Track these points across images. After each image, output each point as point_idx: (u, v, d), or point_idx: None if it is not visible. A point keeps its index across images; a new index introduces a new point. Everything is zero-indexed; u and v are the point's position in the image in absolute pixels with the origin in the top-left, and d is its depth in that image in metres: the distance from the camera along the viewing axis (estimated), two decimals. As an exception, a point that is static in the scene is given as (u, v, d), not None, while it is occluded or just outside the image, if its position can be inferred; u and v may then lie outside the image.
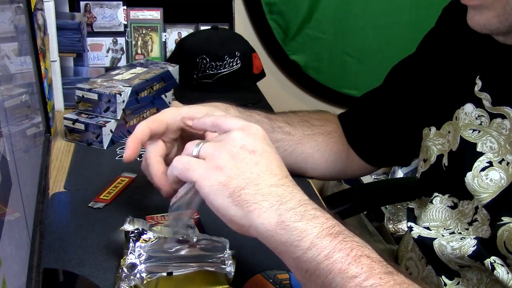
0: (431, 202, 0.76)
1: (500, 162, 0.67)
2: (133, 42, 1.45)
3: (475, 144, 0.69)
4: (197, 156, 0.57)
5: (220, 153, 0.56)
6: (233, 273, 0.64)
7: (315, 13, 1.72)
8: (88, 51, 1.39)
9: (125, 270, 0.62)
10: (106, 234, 0.75)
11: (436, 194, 0.76)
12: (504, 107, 0.67)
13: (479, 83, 0.71)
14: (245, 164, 0.55)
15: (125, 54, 1.44)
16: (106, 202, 0.83)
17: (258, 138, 0.57)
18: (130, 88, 1.03)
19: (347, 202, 1.11)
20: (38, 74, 0.86)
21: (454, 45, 0.78)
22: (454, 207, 0.74)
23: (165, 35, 1.48)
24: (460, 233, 0.72)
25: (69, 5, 1.38)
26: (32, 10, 0.85)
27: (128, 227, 0.64)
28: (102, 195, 0.84)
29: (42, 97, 0.89)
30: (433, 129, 0.78)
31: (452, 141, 0.73)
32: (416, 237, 0.75)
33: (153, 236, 0.64)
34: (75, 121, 1.02)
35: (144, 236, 0.64)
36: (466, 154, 0.70)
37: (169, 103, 1.15)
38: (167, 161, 0.66)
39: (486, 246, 0.65)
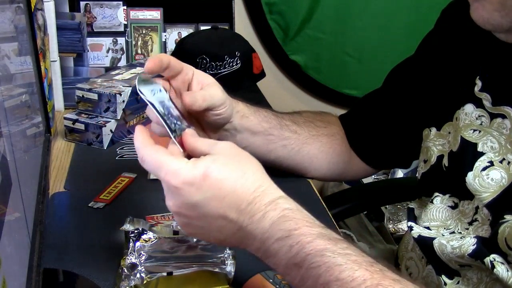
0: (432, 202, 0.76)
1: (501, 162, 0.67)
2: (133, 42, 1.45)
3: (475, 144, 0.69)
4: None
5: (177, 219, 0.58)
6: (233, 273, 0.64)
7: (315, 13, 1.71)
8: (88, 51, 1.39)
9: (125, 270, 0.62)
10: (106, 234, 0.75)
11: (436, 194, 0.76)
12: (504, 107, 0.68)
13: (479, 83, 0.71)
14: (199, 228, 0.57)
15: (125, 54, 1.44)
16: (106, 202, 0.83)
17: (199, 189, 0.54)
18: (130, 88, 1.03)
19: (347, 202, 1.11)
20: (38, 74, 0.86)
21: (454, 46, 0.78)
22: (454, 207, 0.74)
23: (165, 35, 1.48)
24: (460, 232, 0.72)
25: (69, 5, 1.38)
26: (32, 10, 0.85)
27: (128, 227, 0.64)
28: (102, 195, 0.84)
29: (42, 97, 0.89)
30: (434, 129, 0.78)
31: (453, 142, 0.73)
32: (416, 236, 0.75)
33: (153, 236, 0.64)
34: (75, 121, 1.02)
35: (144, 236, 0.64)
36: (467, 154, 0.70)
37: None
38: None
39: (487, 244, 0.65)
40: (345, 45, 1.78)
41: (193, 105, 0.68)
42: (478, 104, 0.70)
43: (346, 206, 1.10)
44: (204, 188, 0.54)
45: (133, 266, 0.62)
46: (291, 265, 0.52)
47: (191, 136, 0.60)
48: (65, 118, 1.03)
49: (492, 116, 0.69)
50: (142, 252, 0.63)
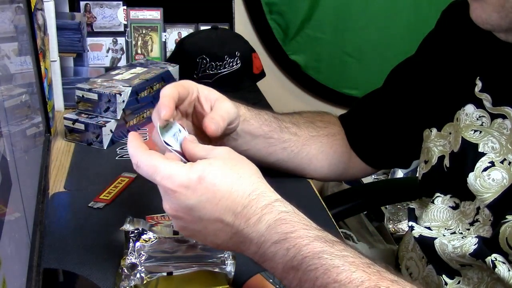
0: (433, 202, 0.76)
1: (502, 162, 0.67)
2: (133, 42, 1.45)
3: (476, 145, 0.70)
4: None
5: (174, 222, 0.58)
6: (233, 273, 0.64)
7: (315, 13, 1.71)
8: (88, 51, 1.39)
9: (125, 270, 0.62)
10: (106, 234, 0.75)
11: (437, 194, 0.76)
12: (504, 107, 0.68)
13: (479, 84, 0.71)
14: (197, 232, 0.57)
15: (125, 54, 1.44)
16: (106, 202, 0.83)
17: (194, 192, 0.54)
18: (130, 88, 1.03)
19: (347, 202, 1.11)
20: (38, 74, 0.86)
21: (454, 46, 0.78)
22: (455, 207, 0.74)
23: (165, 35, 1.48)
24: (462, 233, 0.72)
25: (69, 5, 1.38)
26: (32, 10, 0.85)
27: (128, 227, 0.64)
28: (102, 195, 0.85)
29: (42, 97, 0.89)
30: (434, 130, 0.78)
31: (454, 142, 0.74)
32: (417, 236, 0.75)
33: (153, 236, 0.64)
34: (75, 121, 1.02)
35: (144, 236, 0.64)
36: (468, 155, 0.70)
37: (169, 103, 1.15)
38: None
39: (488, 244, 0.65)
40: (345, 45, 1.78)
41: (218, 131, 0.68)
42: (479, 104, 0.71)
43: (346, 206, 1.10)
44: (199, 191, 0.54)
45: (133, 266, 0.62)
46: (288, 269, 0.52)
47: (190, 142, 0.60)
48: (65, 118, 1.03)
49: (493, 117, 0.69)
50: (142, 252, 0.63)
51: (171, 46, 1.47)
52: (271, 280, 0.67)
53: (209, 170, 0.55)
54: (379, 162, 0.94)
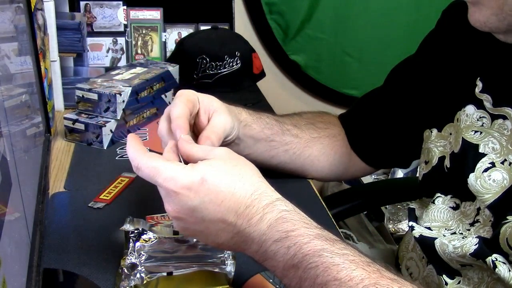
0: (433, 202, 0.76)
1: (502, 163, 0.67)
2: (133, 42, 1.45)
3: (477, 146, 0.70)
4: None
5: (176, 223, 0.59)
6: (233, 273, 0.64)
7: (315, 13, 1.71)
8: (88, 51, 1.39)
9: (125, 270, 0.62)
10: (106, 234, 0.75)
11: (438, 194, 0.76)
12: (505, 108, 0.68)
13: (479, 84, 0.71)
14: (198, 232, 0.57)
15: (125, 54, 1.44)
16: (106, 202, 0.83)
17: (197, 193, 0.55)
18: (130, 88, 1.03)
19: (347, 202, 1.11)
20: (38, 74, 0.86)
21: (454, 47, 0.78)
22: (456, 208, 0.74)
23: (165, 35, 1.48)
24: (462, 233, 0.72)
25: (69, 5, 1.38)
26: (32, 10, 0.85)
27: (128, 227, 0.64)
28: (102, 195, 0.85)
29: (42, 97, 0.89)
30: (435, 131, 0.78)
31: (454, 143, 0.74)
32: (417, 236, 0.75)
33: (153, 236, 0.64)
34: (75, 121, 1.02)
35: (144, 236, 0.64)
36: (469, 155, 0.70)
37: (169, 103, 1.15)
38: None
39: (489, 244, 0.65)
40: (345, 45, 1.78)
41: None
42: (479, 105, 0.71)
43: (346, 206, 1.10)
44: (202, 192, 0.54)
45: (133, 266, 0.62)
46: (288, 267, 0.53)
47: (186, 143, 0.60)
48: (65, 118, 1.03)
49: (493, 117, 0.69)
50: (142, 252, 0.63)
51: (171, 46, 1.48)
52: (271, 280, 0.67)
53: (211, 171, 0.55)
54: (379, 162, 0.94)
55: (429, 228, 0.75)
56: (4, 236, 0.43)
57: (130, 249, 0.63)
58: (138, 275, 0.62)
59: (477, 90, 0.71)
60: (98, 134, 1.00)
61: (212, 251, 0.64)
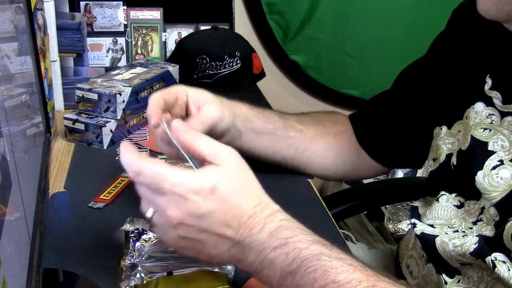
0: (437, 200, 0.76)
1: (511, 160, 0.67)
2: (133, 42, 1.45)
3: (486, 143, 0.69)
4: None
5: (166, 237, 0.57)
6: (233, 273, 0.64)
7: (315, 13, 1.71)
8: (88, 51, 1.39)
9: (125, 270, 0.62)
10: (106, 234, 0.75)
11: (443, 192, 0.76)
12: None
13: (489, 81, 0.71)
14: (197, 242, 0.56)
15: (125, 54, 1.44)
16: (106, 202, 0.83)
17: (206, 201, 0.54)
18: (130, 88, 1.03)
19: (347, 202, 1.11)
20: (38, 74, 0.86)
21: (464, 45, 0.78)
22: (460, 206, 0.74)
23: (165, 35, 1.48)
24: (464, 231, 0.72)
25: (69, 5, 1.38)
26: (32, 10, 0.85)
27: (128, 227, 0.64)
28: (102, 195, 0.85)
29: (42, 97, 0.89)
30: (444, 128, 0.78)
31: (462, 140, 0.73)
32: (419, 233, 0.75)
33: (153, 236, 0.64)
34: (75, 121, 1.02)
35: (144, 236, 0.64)
36: (477, 153, 0.70)
37: (169, 103, 1.15)
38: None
39: (490, 242, 0.65)
40: (345, 45, 1.77)
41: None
42: (488, 102, 0.70)
43: (346, 206, 1.10)
44: (211, 201, 0.54)
45: (133, 266, 0.62)
46: (286, 274, 0.53)
47: (189, 135, 0.59)
48: (65, 118, 1.03)
49: (503, 115, 0.69)
50: (142, 252, 0.63)
51: (171, 46, 1.47)
52: (271, 280, 0.67)
53: (222, 181, 0.55)
54: (390, 160, 0.94)
55: (432, 226, 0.75)
56: (4, 236, 0.43)
57: (130, 249, 0.63)
58: (138, 275, 0.62)
59: (486, 87, 0.71)
60: (98, 134, 1.00)
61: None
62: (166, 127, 0.62)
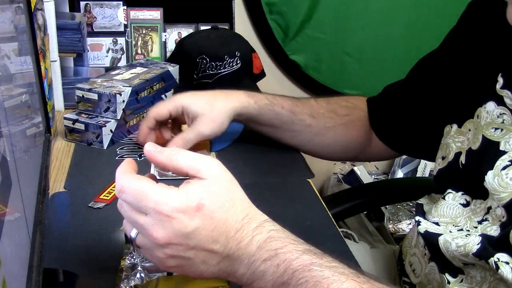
0: (444, 198, 0.76)
1: None
2: (133, 42, 1.45)
3: (498, 143, 0.68)
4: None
5: (153, 257, 0.55)
6: (233, 273, 0.64)
7: (315, 13, 1.71)
8: (88, 51, 1.39)
9: (125, 270, 0.62)
10: (106, 234, 0.75)
11: (449, 190, 0.75)
12: None
13: (500, 80, 0.70)
14: (186, 260, 0.54)
15: (125, 54, 1.44)
16: (106, 202, 0.83)
17: (192, 218, 0.52)
18: (130, 88, 1.03)
19: (347, 202, 1.11)
20: (38, 74, 0.86)
21: (477, 41, 0.77)
22: (466, 205, 0.73)
23: (165, 35, 1.48)
24: (468, 230, 0.71)
25: (69, 5, 1.38)
26: (32, 10, 0.85)
27: (128, 227, 0.64)
28: (102, 195, 0.85)
29: (42, 97, 0.89)
30: (455, 126, 0.77)
31: (472, 140, 0.73)
32: (422, 231, 0.75)
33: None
34: (75, 121, 1.02)
35: (144, 236, 0.63)
36: (488, 153, 0.69)
37: (169, 103, 1.15)
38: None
39: (494, 243, 0.65)
40: (345, 45, 1.77)
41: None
42: (500, 101, 0.69)
43: (346, 206, 1.10)
44: (197, 218, 0.53)
45: (133, 266, 0.62)
46: (278, 285, 0.52)
47: (163, 153, 0.57)
48: (65, 118, 1.03)
49: None
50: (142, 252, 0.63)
51: (171, 46, 1.47)
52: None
53: (207, 197, 0.53)
54: (400, 145, 0.96)
55: (436, 224, 0.75)
56: (4, 236, 0.43)
57: (130, 249, 0.63)
58: (138, 275, 0.62)
59: (498, 86, 0.70)
60: (98, 134, 1.00)
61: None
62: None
